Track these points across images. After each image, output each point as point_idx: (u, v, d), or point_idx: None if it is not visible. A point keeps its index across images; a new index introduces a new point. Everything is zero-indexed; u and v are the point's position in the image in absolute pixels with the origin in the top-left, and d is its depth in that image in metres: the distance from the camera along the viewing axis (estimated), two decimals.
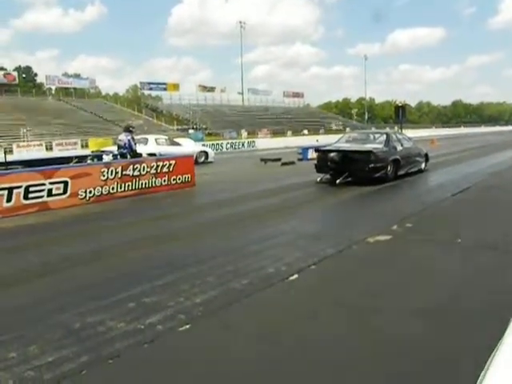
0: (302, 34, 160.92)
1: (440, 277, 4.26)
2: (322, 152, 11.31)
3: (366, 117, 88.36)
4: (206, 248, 5.52)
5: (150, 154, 12.37)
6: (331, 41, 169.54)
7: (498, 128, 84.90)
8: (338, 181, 10.37)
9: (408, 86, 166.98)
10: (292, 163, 16.96)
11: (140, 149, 12.55)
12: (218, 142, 33.77)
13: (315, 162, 11.61)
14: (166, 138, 18.66)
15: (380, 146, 11.13)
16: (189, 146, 18.94)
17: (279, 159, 17.33)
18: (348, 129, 55.83)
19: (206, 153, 19.28)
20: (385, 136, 11.68)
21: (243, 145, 34.69)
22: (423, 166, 13.13)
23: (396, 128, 42.42)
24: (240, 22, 71.29)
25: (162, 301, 3.73)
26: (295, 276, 4.25)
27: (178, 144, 17.64)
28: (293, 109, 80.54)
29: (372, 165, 10.30)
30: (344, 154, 10.51)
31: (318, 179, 11.01)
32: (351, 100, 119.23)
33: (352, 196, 9.29)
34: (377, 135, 12.27)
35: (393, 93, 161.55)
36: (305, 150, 19.11)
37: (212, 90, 71.45)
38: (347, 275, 4.41)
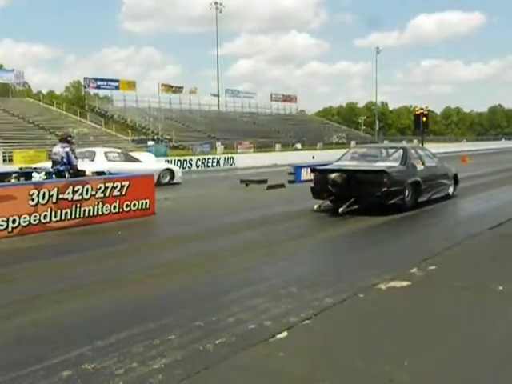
0: (299, 19, 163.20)
1: (479, 338, 4.27)
2: (321, 172, 11.42)
3: (377, 126, 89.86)
4: (167, 296, 5.48)
5: (98, 173, 12.31)
6: (336, 29, 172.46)
7: None
8: (340, 209, 10.43)
9: (432, 87, 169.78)
10: (281, 186, 17.06)
11: (85, 165, 12.53)
12: (186, 157, 33.89)
13: (311, 184, 11.72)
14: (120, 151, 18.66)
15: (395, 164, 11.30)
16: (149, 163, 18.97)
17: (265, 181, 17.41)
18: (353, 142, 56.61)
19: (171, 171, 19.31)
20: (401, 151, 11.87)
21: (218, 162, 34.88)
22: (451, 190, 13.34)
23: (416, 141, 43.16)
24: (216, 3, 72.38)
25: (107, 367, 3.67)
26: (284, 334, 4.23)
27: (135, 160, 17.72)
28: (283, 116, 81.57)
29: (385, 188, 10.42)
30: (349, 175, 10.63)
31: (315, 207, 11.08)
32: (358, 105, 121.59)
33: (358, 229, 9.37)
34: (391, 150, 12.46)
35: (412, 96, 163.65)
36: (298, 169, 19.29)
37: (179, 90, 72.00)
38: (353, 333, 4.40)
